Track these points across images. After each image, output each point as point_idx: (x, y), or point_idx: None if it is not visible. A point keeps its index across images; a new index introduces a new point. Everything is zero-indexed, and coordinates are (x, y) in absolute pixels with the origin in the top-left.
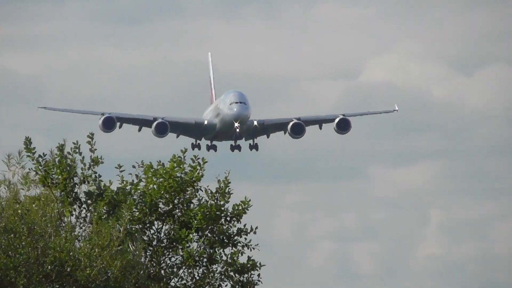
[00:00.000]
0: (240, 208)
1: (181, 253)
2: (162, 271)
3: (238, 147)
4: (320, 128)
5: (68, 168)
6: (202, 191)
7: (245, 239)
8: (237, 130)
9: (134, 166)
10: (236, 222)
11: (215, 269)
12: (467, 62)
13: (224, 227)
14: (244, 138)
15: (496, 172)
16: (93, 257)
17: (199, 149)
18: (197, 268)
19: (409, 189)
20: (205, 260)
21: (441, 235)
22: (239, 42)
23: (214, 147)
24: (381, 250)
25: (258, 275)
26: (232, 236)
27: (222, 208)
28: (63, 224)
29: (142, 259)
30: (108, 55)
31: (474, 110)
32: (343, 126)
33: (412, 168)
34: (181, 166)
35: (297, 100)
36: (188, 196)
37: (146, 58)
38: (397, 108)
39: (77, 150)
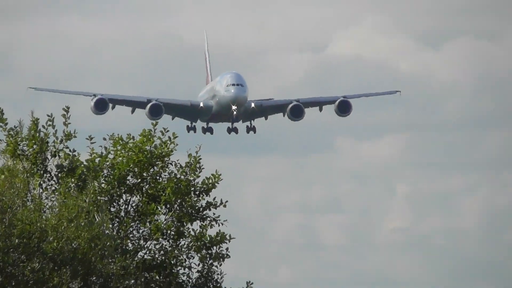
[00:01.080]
0: (211, 181)
1: (149, 226)
2: (130, 243)
3: (235, 130)
4: (320, 110)
5: (40, 142)
6: (172, 165)
7: (214, 214)
8: (234, 112)
9: (104, 139)
10: (205, 195)
11: (183, 243)
12: (435, 36)
13: (194, 200)
14: (241, 120)
15: (463, 146)
16: (60, 229)
17: (195, 131)
18: (165, 241)
19: (376, 163)
20: (172, 233)
21: (407, 208)
22: (207, 14)
23: (210, 130)
24: (347, 223)
25: (227, 248)
26: (201, 210)
27: (192, 183)
28: (30, 196)
29: (109, 231)
30: (77, 27)
31: (442, 83)
32: (344, 108)
33: (379, 142)
34: (151, 139)
35: (264, 72)
36: (157, 170)
37: (115, 30)
38: (400, 90)
39: (50, 123)
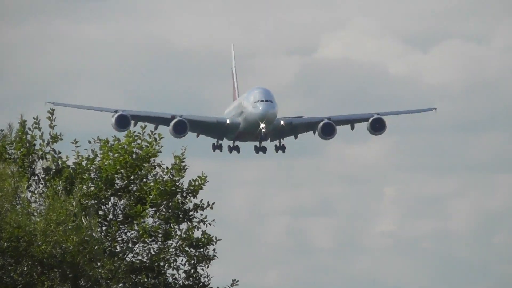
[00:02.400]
0: (197, 183)
1: (136, 229)
2: (118, 246)
3: (263, 149)
4: (352, 128)
5: (27, 144)
6: (158, 167)
7: (201, 215)
8: (263, 130)
9: (90, 142)
10: (192, 197)
11: (170, 244)
12: (423, 38)
13: (180, 201)
14: (269, 139)
15: (451, 149)
16: (48, 232)
17: (221, 150)
18: (153, 243)
19: (365, 166)
20: (160, 235)
21: (396, 211)
22: (194, 17)
23: (237, 148)
24: (336, 226)
25: (214, 249)
26: (188, 211)
27: (177, 184)
28: (19, 200)
29: (97, 234)
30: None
31: (430, 86)
32: (378, 126)
33: (367, 145)
34: (137, 141)
35: (252, 75)
36: (144, 171)
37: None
38: (435, 107)
39: (36, 126)
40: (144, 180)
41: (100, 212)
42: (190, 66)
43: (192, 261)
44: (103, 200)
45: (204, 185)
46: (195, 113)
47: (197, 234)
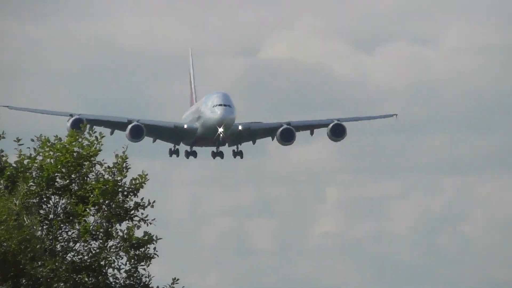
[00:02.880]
0: (138, 182)
1: (78, 228)
2: (59, 245)
3: (221, 154)
4: (311, 134)
5: None
6: (99, 165)
7: (142, 213)
8: (221, 135)
9: (32, 140)
10: (133, 196)
11: (111, 244)
12: (369, 40)
13: (121, 201)
14: (227, 144)
15: (395, 150)
16: None
17: (177, 155)
18: (94, 242)
19: (307, 167)
20: (101, 234)
21: (337, 213)
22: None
23: (194, 153)
24: (276, 227)
25: (154, 248)
26: (129, 210)
27: (119, 183)
28: None
29: (39, 233)
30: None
31: (375, 87)
32: (338, 132)
33: (310, 146)
34: (78, 140)
35: (196, 75)
36: (85, 170)
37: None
38: (396, 113)
39: None
40: (86, 178)
41: (42, 211)
42: (139, 67)
43: (133, 261)
44: (45, 199)
45: (145, 184)
46: (151, 117)
47: (138, 233)
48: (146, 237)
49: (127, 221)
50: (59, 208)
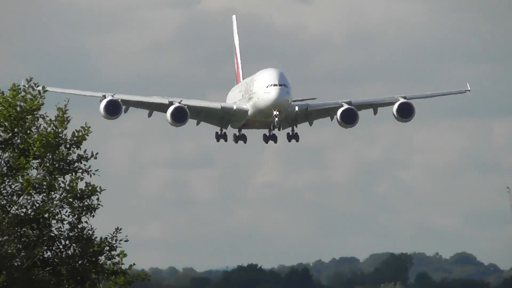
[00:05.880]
0: (80, 134)
1: (21, 181)
2: (3, 199)
3: (274, 138)
4: (375, 113)
5: None
6: (42, 119)
7: (85, 165)
8: (276, 119)
9: None
10: (76, 149)
11: (54, 197)
12: None
13: (64, 153)
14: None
15: (332, 98)
16: None
17: (226, 140)
18: (38, 195)
19: None
20: (44, 187)
21: (277, 163)
22: None
23: (243, 138)
24: (218, 178)
25: (97, 198)
26: (72, 162)
27: (61, 135)
28: None
29: None
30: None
31: (314, 36)
32: (405, 112)
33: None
34: (21, 95)
35: (134, 29)
36: (27, 124)
37: None
38: (469, 88)
39: None
40: (28, 132)
41: None
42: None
43: (77, 212)
44: None
45: (88, 136)
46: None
47: (82, 185)
48: (88, 190)
49: (70, 174)
50: (2, 162)
